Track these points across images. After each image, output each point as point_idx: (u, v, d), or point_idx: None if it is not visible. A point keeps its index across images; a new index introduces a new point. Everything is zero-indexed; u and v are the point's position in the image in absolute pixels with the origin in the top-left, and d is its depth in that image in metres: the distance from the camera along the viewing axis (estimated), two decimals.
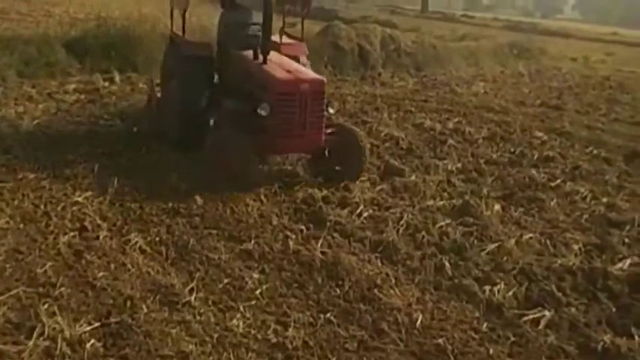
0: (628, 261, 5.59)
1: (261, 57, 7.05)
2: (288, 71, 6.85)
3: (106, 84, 10.80)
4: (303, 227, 5.76)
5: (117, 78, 11.15)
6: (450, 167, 8.05)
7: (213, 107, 7.26)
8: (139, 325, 4.05)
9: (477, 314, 4.61)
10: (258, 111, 6.41)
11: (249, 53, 7.28)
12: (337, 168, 7.00)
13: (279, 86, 6.61)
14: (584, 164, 8.67)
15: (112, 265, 4.80)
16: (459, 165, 8.20)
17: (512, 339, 4.34)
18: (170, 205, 5.96)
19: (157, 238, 5.31)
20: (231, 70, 7.47)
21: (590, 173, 8.32)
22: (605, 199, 7.28)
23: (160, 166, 6.91)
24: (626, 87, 16.25)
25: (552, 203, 7.01)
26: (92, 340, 3.81)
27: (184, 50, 7.56)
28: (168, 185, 6.37)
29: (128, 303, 4.29)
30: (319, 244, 5.40)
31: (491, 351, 4.16)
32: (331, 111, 6.93)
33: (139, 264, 4.84)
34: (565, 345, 4.33)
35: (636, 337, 4.48)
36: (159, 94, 8.51)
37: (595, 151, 9.43)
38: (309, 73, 7.10)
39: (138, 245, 5.14)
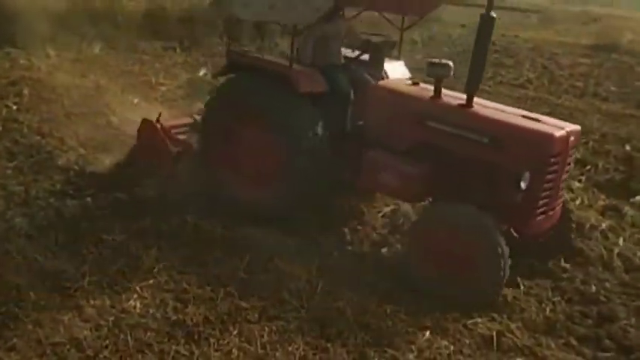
0: None
1: (455, 96, 5.04)
2: (529, 118, 4.77)
3: None
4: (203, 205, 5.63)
5: None
6: None
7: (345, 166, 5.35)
8: (27, 314, 3.85)
9: (375, 277, 4.74)
10: (520, 183, 4.42)
11: (422, 89, 5.24)
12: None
13: (552, 145, 4.50)
14: None
15: None
16: None
17: (409, 296, 4.51)
18: (58, 187, 5.66)
19: (45, 222, 5.04)
20: (375, 113, 5.23)
21: None
22: None
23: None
24: (510, 51, 17.06)
25: None
26: None
27: (300, 85, 5.14)
28: (56, 167, 6.04)
29: (14, 292, 4.05)
30: (220, 219, 5.33)
31: (388, 310, 4.30)
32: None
33: (24, 250, 4.57)
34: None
35: (521, 286, 4.80)
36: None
37: None
38: (553, 120, 4.90)
39: (23, 230, 4.85)
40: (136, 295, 4.19)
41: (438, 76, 4.90)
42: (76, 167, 6.10)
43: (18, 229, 4.86)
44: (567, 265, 5.13)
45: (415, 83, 5.38)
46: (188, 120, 6.48)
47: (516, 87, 12.43)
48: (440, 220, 4.60)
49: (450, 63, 4.81)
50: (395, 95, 5.16)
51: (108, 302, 4.10)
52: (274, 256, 4.85)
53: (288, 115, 5.14)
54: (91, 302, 4.07)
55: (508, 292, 4.67)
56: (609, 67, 15.38)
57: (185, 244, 4.95)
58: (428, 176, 4.86)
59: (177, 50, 12.28)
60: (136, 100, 8.19)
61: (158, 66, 10.64)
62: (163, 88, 9.30)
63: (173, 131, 6.17)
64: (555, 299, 4.70)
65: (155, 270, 4.51)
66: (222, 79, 5.83)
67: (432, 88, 5.04)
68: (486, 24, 4.54)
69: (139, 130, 6.15)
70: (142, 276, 4.44)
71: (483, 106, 4.93)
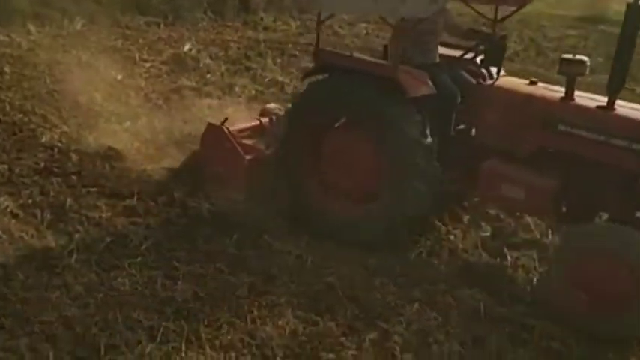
0: None
1: (582, 95, 4.52)
2: None
3: None
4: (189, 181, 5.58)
5: None
6: None
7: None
8: (15, 292, 3.82)
9: (364, 252, 4.73)
10: None
11: (545, 88, 4.68)
12: None
13: None
14: None
15: None
16: None
17: (398, 269, 4.54)
18: (42, 165, 5.59)
19: (30, 201, 4.97)
20: (488, 116, 4.70)
21: None
22: None
23: None
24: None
25: None
26: None
27: (409, 88, 4.51)
28: (40, 144, 5.95)
29: (1, 271, 4.02)
30: (207, 196, 5.29)
31: (377, 283, 4.33)
32: None
33: (10, 229, 4.52)
34: (444, 269, 4.64)
35: (509, 257, 4.84)
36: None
37: None
38: None
39: (8, 210, 4.78)
40: (124, 273, 4.17)
41: (572, 73, 4.34)
42: (59, 145, 6.02)
43: (3, 208, 4.80)
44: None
45: (533, 82, 4.77)
46: (254, 123, 5.91)
47: (504, 60, 12.39)
48: (597, 244, 3.99)
49: (586, 59, 4.30)
50: (515, 96, 4.58)
51: (96, 280, 4.07)
52: (263, 233, 4.84)
53: (395, 123, 4.50)
54: (79, 280, 4.04)
55: (495, 263, 4.72)
56: (597, 39, 15.37)
57: (173, 221, 4.92)
58: (559, 188, 4.33)
59: (161, 25, 12.06)
60: (119, 77, 8.06)
61: (142, 41, 10.46)
62: (147, 64, 9.15)
63: (240, 137, 5.55)
64: (541, 269, 4.74)
65: (143, 247, 4.49)
66: (306, 82, 5.18)
67: (555, 87, 4.61)
68: (634, 14, 3.97)
69: (203, 136, 5.57)
70: (129, 253, 4.41)
71: (625, 107, 4.35)
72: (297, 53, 11.20)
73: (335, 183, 4.97)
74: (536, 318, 4.09)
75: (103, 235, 4.59)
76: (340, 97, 4.76)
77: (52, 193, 5.12)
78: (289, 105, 5.18)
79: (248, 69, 9.66)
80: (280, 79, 9.21)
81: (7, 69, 7.88)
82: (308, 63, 10.36)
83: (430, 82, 4.64)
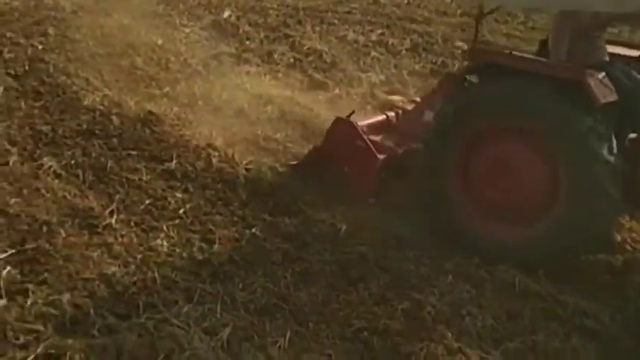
0: None
1: None
2: None
3: None
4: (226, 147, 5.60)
5: None
6: (373, 80, 8.05)
7: None
8: (58, 249, 3.92)
9: (397, 224, 4.72)
10: None
11: None
12: None
13: None
14: None
15: (25, 191, 4.55)
16: (383, 77, 8.21)
17: (429, 244, 4.52)
18: (85, 127, 5.70)
19: (72, 162, 5.08)
20: None
21: None
22: None
23: None
24: None
25: None
26: (8, 268, 3.67)
27: (599, 94, 3.98)
28: (82, 107, 6.06)
29: (44, 228, 4.12)
30: (243, 162, 5.34)
31: (410, 255, 4.33)
32: None
33: (53, 188, 4.64)
34: None
35: None
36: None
37: None
38: None
39: (52, 169, 4.91)
40: (162, 235, 4.26)
41: None
42: (101, 108, 6.11)
43: (47, 167, 4.92)
44: None
45: None
46: (380, 117, 5.44)
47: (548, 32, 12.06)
48: None
49: None
50: None
51: (135, 240, 4.17)
52: (298, 200, 4.87)
53: (582, 136, 3.95)
54: (119, 240, 4.14)
55: None
56: None
57: (210, 186, 4.99)
58: None
59: None
60: (160, 42, 8.11)
61: (182, 7, 10.47)
62: (187, 30, 9.18)
63: (368, 133, 5.05)
64: None
65: (181, 211, 4.57)
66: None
67: None
68: None
69: (330, 131, 5.15)
70: (168, 216, 4.50)
71: None
72: (336, 22, 11.09)
73: (491, 200, 4.41)
74: (570, 295, 4.05)
75: (142, 198, 4.68)
76: (508, 102, 4.22)
77: (93, 155, 5.23)
78: (440, 108, 4.67)
79: (287, 37, 9.61)
80: (319, 47, 9.14)
81: (50, 31, 8.00)
82: (346, 32, 10.28)
83: (612, 86, 4.08)
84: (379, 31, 10.66)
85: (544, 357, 3.49)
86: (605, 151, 3.96)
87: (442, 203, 4.53)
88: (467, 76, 4.65)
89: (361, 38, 9.97)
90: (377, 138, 5.09)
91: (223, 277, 3.90)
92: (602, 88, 4.00)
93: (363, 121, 5.19)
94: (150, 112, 6.00)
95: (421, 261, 4.28)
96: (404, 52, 9.59)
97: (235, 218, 4.59)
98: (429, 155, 4.59)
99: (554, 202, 4.15)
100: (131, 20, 8.75)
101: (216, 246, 4.21)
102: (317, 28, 10.46)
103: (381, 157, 4.84)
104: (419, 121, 5.20)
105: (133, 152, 5.35)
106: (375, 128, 5.24)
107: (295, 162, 5.36)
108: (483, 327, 3.67)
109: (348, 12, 12.13)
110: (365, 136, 4.93)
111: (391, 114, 5.46)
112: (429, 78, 8.36)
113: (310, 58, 8.69)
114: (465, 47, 9.98)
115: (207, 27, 9.45)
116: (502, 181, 4.34)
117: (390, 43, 9.90)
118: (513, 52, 4.51)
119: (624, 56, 4.58)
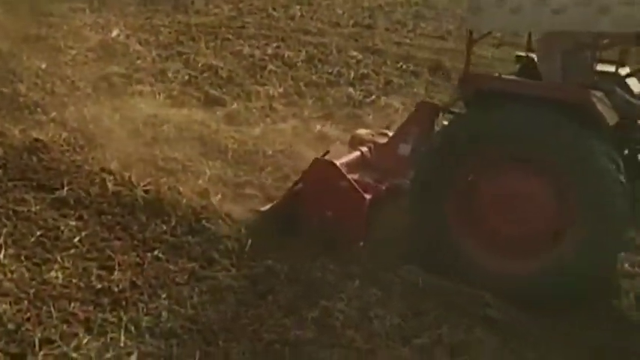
0: None
1: None
2: None
3: None
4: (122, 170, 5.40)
5: None
6: (271, 92, 8.08)
7: None
8: None
9: (305, 236, 4.69)
10: None
11: None
12: None
13: None
14: (396, 79, 9.15)
15: None
16: (280, 90, 8.26)
17: (336, 252, 4.53)
18: None
19: None
20: None
21: (401, 87, 8.83)
22: None
23: None
24: (430, 2, 17.23)
25: (369, 118, 7.37)
26: None
27: (605, 117, 3.89)
28: None
29: None
30: (141, 184, 5.16)
31: (317, 263, 4.33)
32: None
33: None
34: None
35: None
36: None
37: (404, 66, 9.95)
38: None
39: None
40: (57, 266, 4.04)
41: None
42: None
43: None
44: None
45: None
46: (355, 154, 5.08)
47: (436, 39, 12.58)
48: None
49: None
50: None
51: (27, 275, 3.92)
52: (201, 218, 4.77)
53: (591, 159, 3.79)
54: (9, 276, 3.88)
55: None
56: None
57: (106, 211, 4.78)
58: None
59: (87, 11, 11.66)
60: (43, 66, 7.75)
61: (66, 28, 10.08)
62: (73, 52, 8.83)
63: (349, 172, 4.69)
64: None
65: (76, 239, 4.35)
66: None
67: None
68: None
69: (307, 174, 4.76)
70: (62, 246, 4.28)
71: None
72: (230, 37, 11.06)
73: (494, 231, 4.19)
74: (471, 286, 4.19)
75: (32, 229, 4.42)
76: (510, 128, 4.00)
77: None
78: (434, 139, 4.46)
79: (180, 54, 9.48)
80: (214, 63, 9.07)
81: None
82: (241, 46, 10.26)
83: (612, 107, 3.96)
84: (274, 45, 10.73)
85: (450, 349, 3.59)
86: (616, 174, 3.80)
87: (435, 234, 4.28)
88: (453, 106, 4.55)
89: (257, 52, 9.98)
90: (356, 176, 4.77)
91: (125, 304, 3.74)
92: (607, 110, 3.90)
93: (340, 160, 4.84)
94: (36, 140, 5.70)
95: (328, 268, 4.29)
96: (300, 63, 9.70)
97: (135, 242, 4.42)
98: (423, 188, 4.32)
99: (562, 231, 3.98)
100: (10, 46, 8.31)
101: (116, 272, 4.03)
102: (211, 44, 10.38)
103: (367, 196, 4.53)
104: (394, 155, 4.99)
105: (20, 182, 5.04)
106: (352, 166, 4.90)
107: (268, 207, 4.91)
108: (391, 326, 3.73)
109: (242, 27, 12.13)
110: (348, 177, 4.59)
111: (364, 149, 5.14)
112: (326, 88, 8.51)
113: (205, 75, 8.61)
114: (360, 57, 10.25)
115: (95, 48, 9.14)
116: (505, 211, 4.13)
117: (285, 55, 9.98)
118: (503, 76, 4.35)
119: (613, 74, 4.51)
